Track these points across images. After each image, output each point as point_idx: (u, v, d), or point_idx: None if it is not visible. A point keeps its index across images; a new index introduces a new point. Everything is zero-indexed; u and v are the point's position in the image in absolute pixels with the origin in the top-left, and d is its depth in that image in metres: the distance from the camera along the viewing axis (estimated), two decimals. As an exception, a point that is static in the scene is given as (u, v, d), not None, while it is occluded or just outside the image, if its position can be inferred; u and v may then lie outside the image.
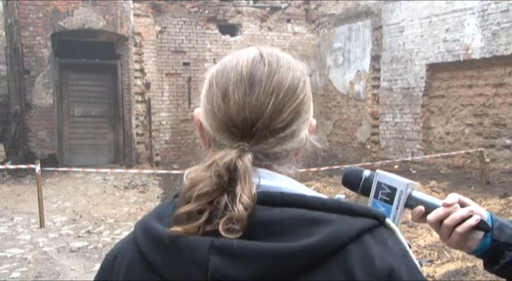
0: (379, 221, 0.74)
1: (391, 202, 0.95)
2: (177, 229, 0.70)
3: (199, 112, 0.83)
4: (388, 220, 0.75)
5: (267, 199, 0.71)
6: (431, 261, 4.82)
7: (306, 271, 0.68)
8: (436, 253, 4.99)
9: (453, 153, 9.48)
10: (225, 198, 0.70)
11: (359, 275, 0.68)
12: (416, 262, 0.75)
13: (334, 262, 0.68)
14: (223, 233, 0.68)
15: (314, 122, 0.84)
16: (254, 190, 0.70)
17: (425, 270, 4.59)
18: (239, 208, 0.68)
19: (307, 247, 0.67)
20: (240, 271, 0.67)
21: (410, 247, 0.76)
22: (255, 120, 0.74)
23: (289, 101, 0.76)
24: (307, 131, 0.81)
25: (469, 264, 4.51)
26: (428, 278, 4.43)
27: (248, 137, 0.75)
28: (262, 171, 0.75)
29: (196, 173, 0.73)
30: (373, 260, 0.69)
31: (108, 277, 0.80)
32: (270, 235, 0.69)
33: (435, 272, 4.54)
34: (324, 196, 0.76)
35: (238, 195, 0.69)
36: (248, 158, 0.72)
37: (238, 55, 0.81)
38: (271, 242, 0.68)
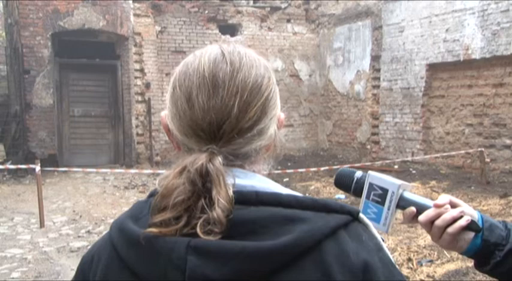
0: (353, 216, 0.74)
1: (382, 203, 0.95)
2: (153, 230, 0.69)
3: (166, 115, 0.82)
4: (362, 215, 0.76)
5: (242, 198, 0.71)
6: (431, 261, 4.82)
7: (283, 269, 0.68)
8: (436, 253, 4.99)
9: (453, 153, 9.48)
10: (201, 201, 0.70)
11: (335, 272, 0.68)
12: (391, 256, 0.76)
13: (310, 260, 0.69)
14: (202, 236, 0.68)
15: (282, 116, 0.83)
16: (231, 192, 0.70)
17: (425, 270, 4.59)
18: (217, 211, 0.68)
19: (282, 246, 0.67)
20: (217, 271, 0.67)
21: (383, 240, 0.77)
22: (221, 122, 0.74)
23: (255, 100, 0.76)
24: (275, 127, 0.81)
25: (469, 264, 4.51)
26: (428, 278, 4.43)
27: (216, 139, 0.74)
28: (236, 170, 0.75)
29: (168, 180, 0.72)
30: (348, 256, 0.70)
31: (86, 277, 0.80)
32: (246, 234, 0.69)
33: (435, 272, 4.53)
34: (298, 194, 0.76)
35: (216, 199, 0.69)
36: (219, 160, 0.72)
37: (200, 55, 0.79)
38: (246, 241, 0.68)
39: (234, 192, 0.71)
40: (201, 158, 0.72)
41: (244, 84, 0.75)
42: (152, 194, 0.79)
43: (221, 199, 0.69)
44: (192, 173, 0.70)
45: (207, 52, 0.79)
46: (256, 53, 0.82)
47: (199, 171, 0.70)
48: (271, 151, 0.83)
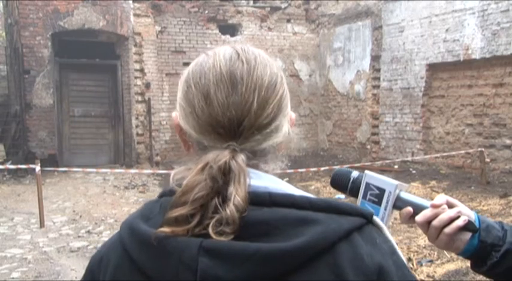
0: (367, 219, 0.74)
1: (379, 203, 0.95)
2: (165, 229, 0.69)
3: (177, 115, 0.82)
4: (376, 218, 0.76)
5: (256, 199, 0.71)
6: (431, 261, 4.82)
7: (296, 271, 0.68)
8: (436, 253, 4.99)
9: (453, 153, 9.48)
10: (215, 200, 0.69)
11: (349, 275, 0.68)
12: (404, 259, 0.76)
13: (323, 262, 0.68)
14: (214, 236, 0.67)
15: (293, 115, 0.84)
16: (246, 192, 0.70)
17: (425, 270, 4.59)
18: (231, 209, 0.68)
19: (296, 247, 0.67)
20: (229, 272, 0.66)
21: (397, 244, 0.77)
22: (241, 118, 0.74)
23: (272, 97, 0.77)
24: (288, 125, 0.81)
25: (469, 264, 4.51)
26: (428, 278, 4.43)
27: (235, 136, 0.75)
28: (249, 170, 0.75)
29: (190, 177, 0.72)
30: (362, 259, 0.69)
31: (95, 278, 0.80)
32: (259, 236, 0.68)
33: (435, 272, 4.54)
34: (311, 195, 0.76)
35: (232, 197, 0.69)
36: (242, 158, 0.72)
37: (213, 54, 0.80)
38: (260, 243, 0.67)
39: (248, 192, 0.70)
40: (224, 155, 0.72)
41: (261, 82, 0.76)
42: (163, 194, 0.79)
43: (238, 196, 0.68)
44: (214, 169, 0.71)
45: (221, 51, 0.80)
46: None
47: (222, 168, 0.71)
48: (285, 148, 0.83)
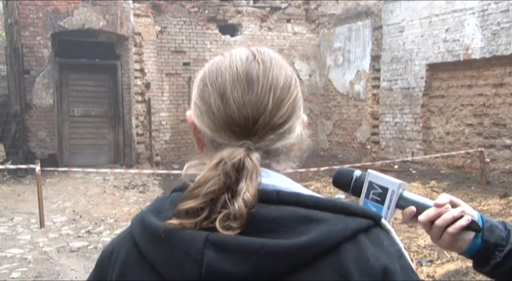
0: (375, 221, 0.74)
1: (382, 202, 0.94)
2: (174, 221, 0.70)
3: (192, 114, 0.83)
4: (384, 221, 0.76)
5: (264, 196, 0.72)
6: (431, 261, 4.82)
7: (300, 269, 0.68)
8: (436, 253, 4.99)
9: (453, 153, 9.48)
10: (224, 195, 0.71)
11: (353, 275, 0.68)
12: (412, 264, 0.75)
13: (328, 261, 0.69)
14: (220, 230, 0.68)
15: (305, 117, 0.85)
16: (256, 189, 0.71)
17: (425, 270, 4.59)
18: (240, 204, 0.69)
19: (299, 245, 0.67)
20: (234, 266, 0.67)
21: (405, 248, 0.76)
22: (257, 117, 0.75)
23: (286, 97, 0.78)
24: (300, 127, 0.83)
25: (469, 264, 4.51)
26: (428, 278, 4.43)
27: (250, 135, 0.76)
28: (260, 169, 0.76)
29: (204, 172, 0.73)
30: (367, 260, 0.69)
31: (104, 272, 0.81)
32: (264, 232, 0.69)
33: (435, 272, 4.54)
34: (319, 195, 0.76)
35: (242, 192, 0.70)
36: (256, 157, 0.74)
37: (229, 55, 0.82)
38: (264, 239, 0.68)
39: (258, 190, 0.71)
40: (239, 152, 0.73)
41: (277, 82, 0.78)
42: (175, 190, 0.80)
43: (248, 192, 0.70)
44: (228, 166, 0.72)
45: (237, 52, 0.82)
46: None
47: (236, 165, 0.72)
48: (296, 150, 0.84)
